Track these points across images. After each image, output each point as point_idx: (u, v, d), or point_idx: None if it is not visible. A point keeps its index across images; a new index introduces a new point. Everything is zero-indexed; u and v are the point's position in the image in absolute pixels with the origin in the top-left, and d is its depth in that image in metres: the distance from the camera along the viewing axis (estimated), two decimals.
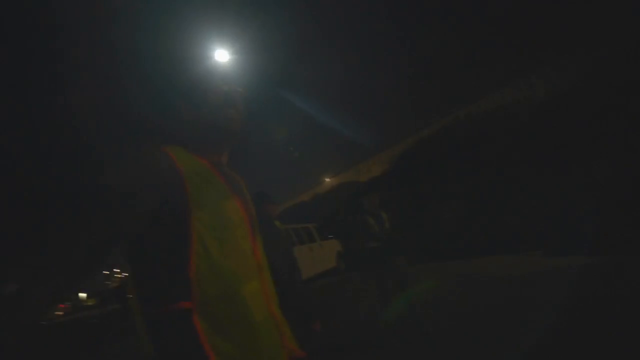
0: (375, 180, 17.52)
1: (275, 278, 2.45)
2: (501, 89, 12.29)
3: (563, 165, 7.73)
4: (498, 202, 8.72)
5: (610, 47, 8.36)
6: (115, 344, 7.23)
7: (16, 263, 0.61)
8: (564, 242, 6.06)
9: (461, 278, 5.89)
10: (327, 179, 24.34)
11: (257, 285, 0.80)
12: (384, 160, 19.33)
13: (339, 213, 14.93)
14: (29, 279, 0.59)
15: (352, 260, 11.31)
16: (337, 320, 4.76)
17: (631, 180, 6.27)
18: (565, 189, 7.24)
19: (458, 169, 10.75)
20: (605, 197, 6.42)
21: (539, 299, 3.73)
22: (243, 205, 0.84)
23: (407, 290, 3.42)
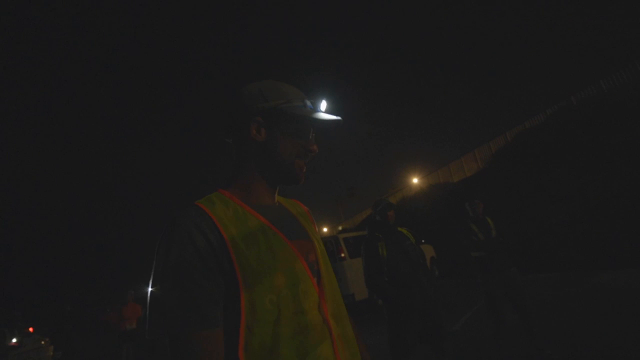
0: (469, 180, 16.20)
1: (408, 288, 2.38)
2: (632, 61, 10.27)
3: None
4: (623, 204, 7.26)
5: None
6: None
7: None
8: None
9: (590, 292, 5.05)
10: (415, 180, 23.43)
11: (327, 349, 0.66)
12: (479, 158, 17.78)
13: (432, 217, 14.18)
14: None
15: (448, 268, 10.63)
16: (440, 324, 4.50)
17: None
18: None
19: (569, 165, 9.28)
20: None
21: None
22: (302, 250, 0.72)
23: (524, 305, 3.04)
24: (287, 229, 0.73)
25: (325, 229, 38.76)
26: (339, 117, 0.78)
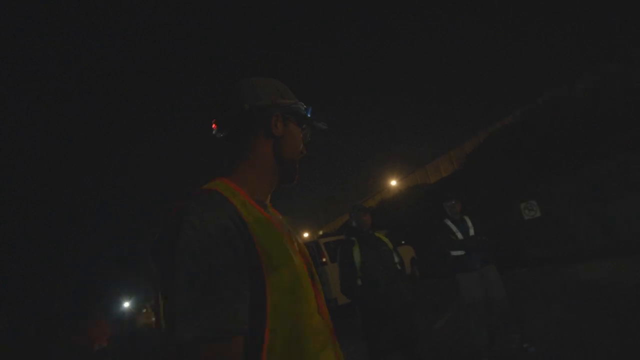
0: (446, 180, 16.58)
1: (382, 297, 2.34)
2: (593, 66, 10.84)
3: None
4: (590, 197, 7.60)
5: None
6: None
7: None
8: None
9: (561, 286, 5.22)
10: (394, 182, 23.73)
11: (331, 353, 0.66)
12: (454, 159, 18.24)
13: (411, 218, 14.36)
14: None
15: (428, 268, 10.77)
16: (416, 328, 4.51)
17: None
18: None
19: (538, 163, 9.66)
20: None
21: None
22: (301, 254, 0.71)
23: (503, 302, 3.08)
24: (284, 229, 0.71)
25: (306, 234, 38.60)
26: (326, 126, 0.84)
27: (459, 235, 3.23)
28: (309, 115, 0.80)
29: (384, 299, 2.39)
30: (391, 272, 2.49)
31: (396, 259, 2.62)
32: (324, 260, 7.15)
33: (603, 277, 5.07)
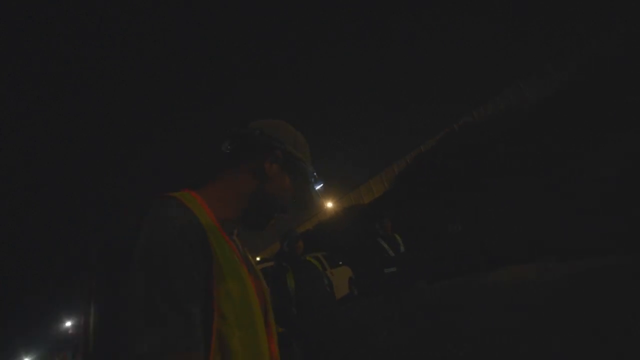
0: (378, 200, 17.39)
1: (317, 320, 2.30)
2: (495, 95, 12.47)
3: (564, 165, 7.67)
4: (503, 210, 8.59)
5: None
6: None
7: None
8: (579, 245, 5.88)
9: (487, 291, 5.67)
10: (329, 204, 24.18)
11: None
12: (384, 179, 19.30)
13: (348, 239, 14.66)
14: None
15: (366, 286, 10.99)
16: (359, 349, 4.52)
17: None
18: (572, 190, 7.14)
19: (459, 181, 10.69)
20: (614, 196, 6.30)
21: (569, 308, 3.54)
22: (256, 287, 0.67)
23: (434, 311, 3.25)
24: (246, 262, 0.67)
25: None
26: (320, 207, 0.78)
27: (391, 253, 3.36)
28: (316, 187, 0.80)
29: (320, 325, 2.35)
30: (324, 295, 2.48)
31: (326, 282, 2.62)
32: None
33: (526, 281, 5.63)
